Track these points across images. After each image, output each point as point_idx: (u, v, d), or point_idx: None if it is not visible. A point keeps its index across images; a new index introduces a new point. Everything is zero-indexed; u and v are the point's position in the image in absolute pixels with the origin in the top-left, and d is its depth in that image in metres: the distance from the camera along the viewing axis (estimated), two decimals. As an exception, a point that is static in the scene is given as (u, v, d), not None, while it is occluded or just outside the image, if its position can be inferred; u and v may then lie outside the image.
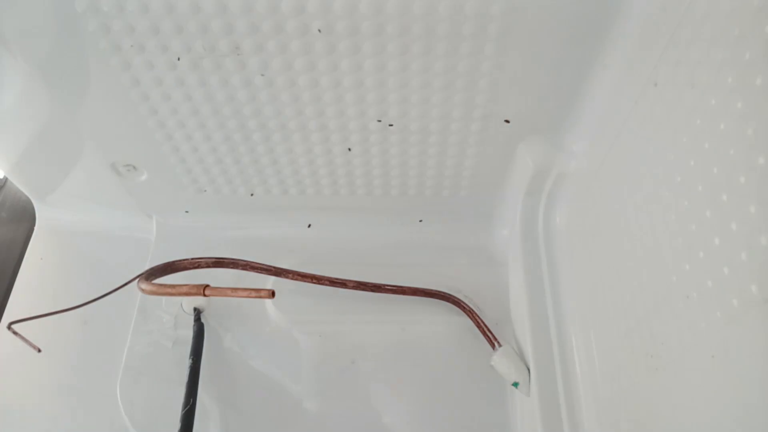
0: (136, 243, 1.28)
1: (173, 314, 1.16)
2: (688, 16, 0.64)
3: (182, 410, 0.96)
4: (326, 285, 1.12)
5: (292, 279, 1.12)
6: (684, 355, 0.62)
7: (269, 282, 1.15)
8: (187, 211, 1.26)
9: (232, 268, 1.13)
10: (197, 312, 1.15)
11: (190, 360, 1.04)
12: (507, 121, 0.96)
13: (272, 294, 0.83)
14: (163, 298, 1.17)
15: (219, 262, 1.12)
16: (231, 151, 1.06)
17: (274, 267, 1.12)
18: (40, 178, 1.20)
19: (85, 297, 1.03)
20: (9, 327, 0.99)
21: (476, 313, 1.12)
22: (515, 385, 0.99)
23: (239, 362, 1.13)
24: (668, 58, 0.68)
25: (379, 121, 0.97)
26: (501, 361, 1.02)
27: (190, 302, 1.15)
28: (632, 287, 0.75)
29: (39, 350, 0.99)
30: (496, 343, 1.06)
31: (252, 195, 1.19)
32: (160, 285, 0.95)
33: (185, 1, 0.76)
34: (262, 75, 0.88)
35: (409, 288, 1.14)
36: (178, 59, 0.85)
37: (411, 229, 1.27)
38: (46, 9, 0.78)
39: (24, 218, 1.30)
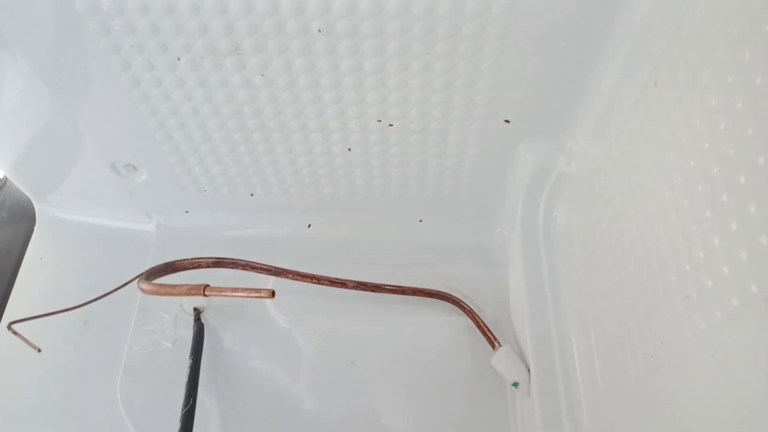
0: (136, 243, 1.28)
1: (173, 314, 1.16)
2: (688, 16, 0.64)
3: (182, 410, 0.96)
4: (326, 285, 1.12)
5: (292, 279, 1.12)
6: (684, 355, 0.62)
7: (269, 282, 1.15)
8: (187, 211, 1.26)
9: (232, 268, 1.13)
10: (197, 312, 1.15)
11: (190, 360, 1.04)
12: (507, 121, 0.96)
13: (272, 294, 0.83)
14: (163, 298, 1.17)
15: (219, 262, 1.12)
16: (231, 151, 1.06)
17: (274, 267, 1.12)
18: (40, 178, 1.20)
19: (85, 297, 1.03)
20: (9, 327, 0.99)
21: (476, 313, 1.12)
22: (515, 385, 0.99)
23: (239, 362, 1.13)
24: (668, 58, 0.68)
25: (379, 121, 0.97)
26: (501, 361, 1.02)
27: (190, 302, 1.15)
28: (632, 287, 0.75)
29: (39, 350, 0.99)
30: (496, 343, 1.06)
31: (252, 195, 1.19)
32: (160, 285, 0.95)
33: (185, 1, 0.76)
34: (262, 75, 0.88)
35: (409, 288, 1.14)
36: (178, 59, 0.85)
37: (411, 229, 1.27)
38: (46, 9, 0.78)
39: (24, 218, 1.30)
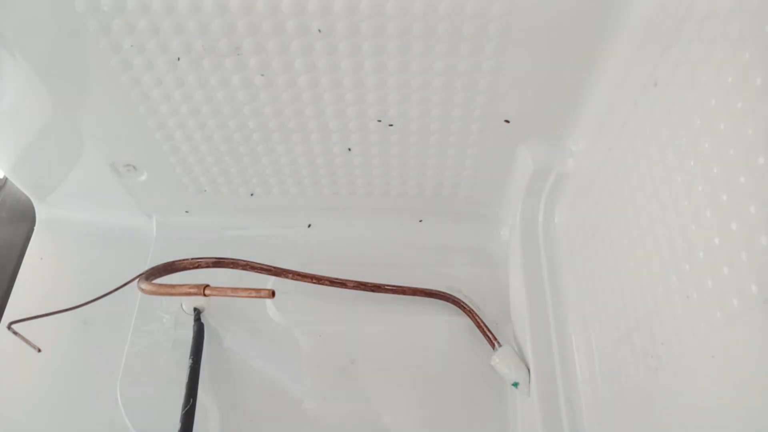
0: (136, 243, 1.28)
1: (173, 314, 1.16)
2: (688, 16, 0.64)
3: (182, 410, 0.96)
4: (326, 285, 1.12)
5: (292, 279, 1.12)
6: (684, 355, 0.62)
7: (269, 282, 1.15)
8: (187, 211, 1.26)
9: (232, 268, 1.13)
10: (197, 312, 1.15)
11: (190, 360, 1.04)
12: (507, 121, 0.96)
13: (272, 294, 0.83)
14: (163, 298, 1.16)
15: (219, 262, 1.12)
16: (231, 151, 1.06)
17: (274, 267, 1.12)
18: (40, 178, 1.20)
19: (85, 297, 1.03)
20: (9, 327, 0.99)
21: (476, 313, 1.12)
22: (515, 385, 0.99)
23: (239, 362, 1.13)
24: (668, 58, 0.68)
25: (379, 121, 0.97)
26: (501, 361, 1.02)
27: (190, 302, 1.15)
28: (632, 287, 0.75)
29: (39, 350, 0.99)
30: (496, 343, 1.06)
31: (252, 195, 1.19)
32: (160, 285, 0.95)
33: (185, 1, 0.76)
34: (262, 75, 0.88)
35: (409, 288, 1.14)
36: (178, 59, 0.85)
37: (411, 229, 1.27)
38: (46, 9, 0.78)
39: (24, 218, 1.30)
